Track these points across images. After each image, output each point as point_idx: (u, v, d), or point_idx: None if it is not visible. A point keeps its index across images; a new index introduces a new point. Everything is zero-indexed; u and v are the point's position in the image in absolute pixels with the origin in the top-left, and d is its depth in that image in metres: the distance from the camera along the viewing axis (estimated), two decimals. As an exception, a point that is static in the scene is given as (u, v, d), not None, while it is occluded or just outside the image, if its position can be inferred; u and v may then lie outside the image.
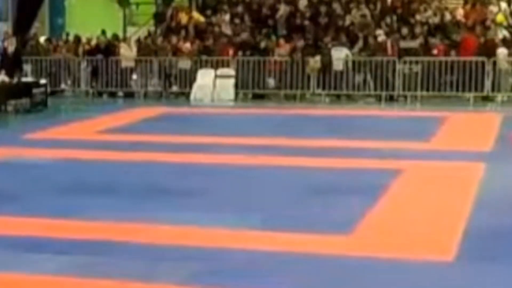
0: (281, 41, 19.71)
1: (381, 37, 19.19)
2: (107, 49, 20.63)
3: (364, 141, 11.96)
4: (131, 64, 20.27)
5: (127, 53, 20.38)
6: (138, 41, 21.41)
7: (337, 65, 18.94)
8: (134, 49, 20.64)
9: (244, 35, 20.31)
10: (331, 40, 19.54)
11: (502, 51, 18.42)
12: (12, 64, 17.30)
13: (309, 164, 10.21)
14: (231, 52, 19.79)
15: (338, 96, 19.31)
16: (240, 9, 22.25)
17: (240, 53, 19.71)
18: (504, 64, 18.30)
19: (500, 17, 20.06)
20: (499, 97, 18.46)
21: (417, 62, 18.58)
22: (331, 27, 20.34)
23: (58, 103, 18.80)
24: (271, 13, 21.66)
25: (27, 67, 19.64)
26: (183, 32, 21.26)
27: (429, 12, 20.72)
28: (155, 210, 7.60)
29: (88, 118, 15.56)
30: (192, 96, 19.31)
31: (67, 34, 22.71)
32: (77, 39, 21.69)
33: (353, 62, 19.04)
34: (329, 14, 21.07)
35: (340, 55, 19.08)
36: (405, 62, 18.61)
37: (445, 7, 21.41)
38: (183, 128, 13.86)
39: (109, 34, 21.46)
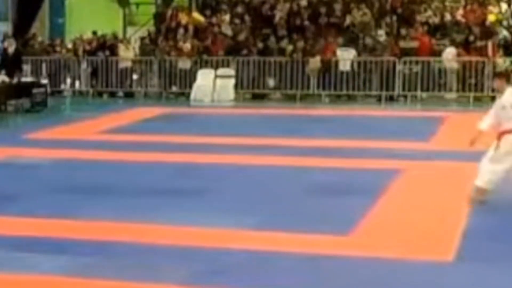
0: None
1: (382, 37, 19.18)
2: (112, 46, 20.65)
3: (364, 141, 11.95)
4: (129, 64, 20.25)
5: (125, 54, 20.37)
6: (127, 41, 21.42)
7: (344, 66, 18.90)
8: (132, 48, 20.69)
9: (241, 36, 20.28)
10: (336, 41, 19.51)
11: (450, 51, 18.44)
12: (12, 64, 17.28)
13: (309, 164, 10.21)
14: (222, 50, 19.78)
15: (338, 96, 19.30)
16: (240, 9, 22.23)
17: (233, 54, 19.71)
18: (452, 63, 18.34)
19: (492, 17, 20.02)
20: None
21: (417, 62, 18.58)
22: (331, 28, 20.32)
23: (58, 103, 18.80)
24: (271, 13, 21.63)
25: (27, 67, 19.64)
26: (182, 31, 21.24)
27: (429, 12, 20.72)
28: (155, 210, 7.60)
29: (88, 118, 15.56)
30: (192, 96, 19.30)
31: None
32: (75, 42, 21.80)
33: (358, 62, 19.03)
34: (329, 14, 21.05)
35: (348, 55, 19.04)
36: (405, 62, 18.61)
37: (445, 7, 21.41)
38: (183, 128, 13.87)
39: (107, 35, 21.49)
